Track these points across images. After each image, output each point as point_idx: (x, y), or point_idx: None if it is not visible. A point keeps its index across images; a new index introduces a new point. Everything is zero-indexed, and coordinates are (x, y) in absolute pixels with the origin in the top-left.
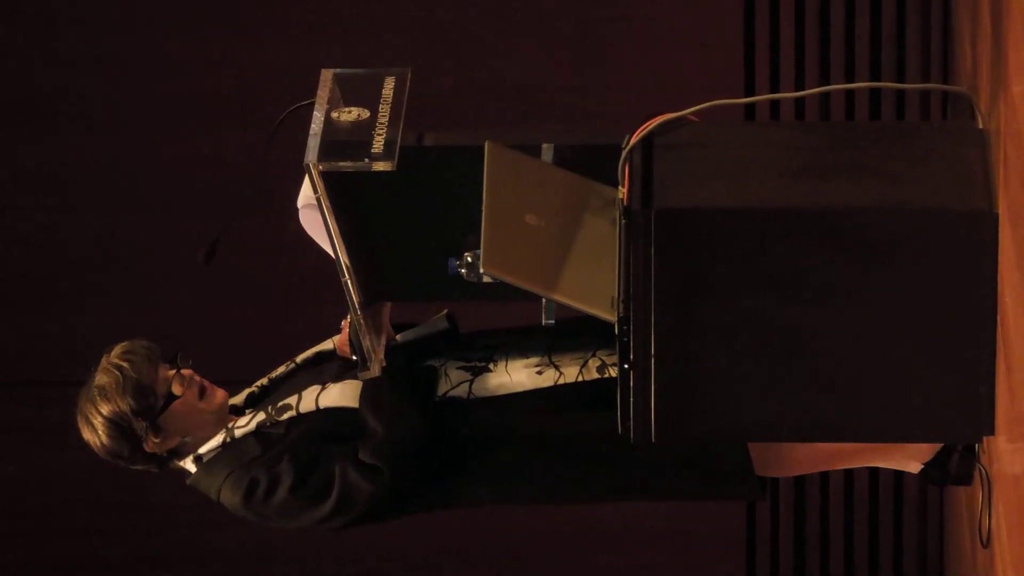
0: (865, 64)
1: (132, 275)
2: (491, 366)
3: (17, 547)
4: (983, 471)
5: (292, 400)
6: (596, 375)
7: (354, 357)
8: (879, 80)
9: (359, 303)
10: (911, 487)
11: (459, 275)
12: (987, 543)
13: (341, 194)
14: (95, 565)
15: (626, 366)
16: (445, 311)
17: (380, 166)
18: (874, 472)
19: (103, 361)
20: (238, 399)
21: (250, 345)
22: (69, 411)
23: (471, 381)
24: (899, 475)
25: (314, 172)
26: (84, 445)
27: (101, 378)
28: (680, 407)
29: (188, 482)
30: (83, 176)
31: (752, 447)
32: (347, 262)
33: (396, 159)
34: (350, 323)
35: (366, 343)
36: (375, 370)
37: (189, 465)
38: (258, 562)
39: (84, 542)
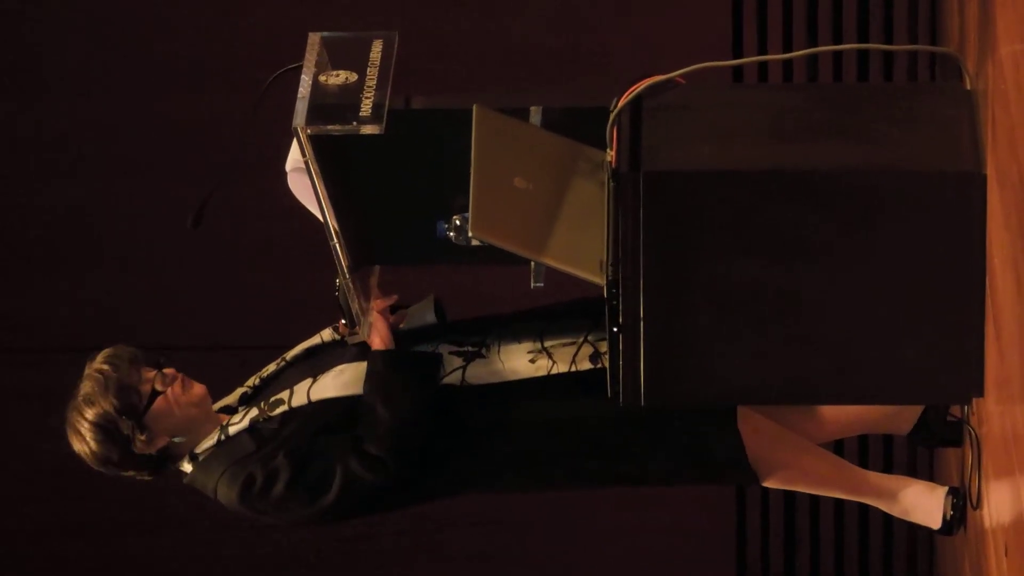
0: (853, 26)
1: (119, 240)
2: (483, 351)
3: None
4: (972, 433)
5: (284, 395)
6: (589, 364)
7: (342, 322)
8: (867, 42)
9: (348, 267)
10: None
11: (447, 238)
12: (977, 505)
13: (329, 158)
14: (84, 529)
15: (615, 329)
16: (432, 297)
17: (368, 129)
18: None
19: (86, 369)
20: (231, 399)
21: (236, 309)
22: (59, 376)
23: (464, 368)
24: (888, 466)
25: (302, 136)
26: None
27: (84, 386)
28: (669, 369)
29: (185, 481)
30: (68, 141)
31: (755, 434)
32: (335, 226)
33: (384, 122)
34: (339, 287)
35: (355, 307)
36: (364, 333)
37: (186, 466)
38: (245, 527)
39: (77, 506)
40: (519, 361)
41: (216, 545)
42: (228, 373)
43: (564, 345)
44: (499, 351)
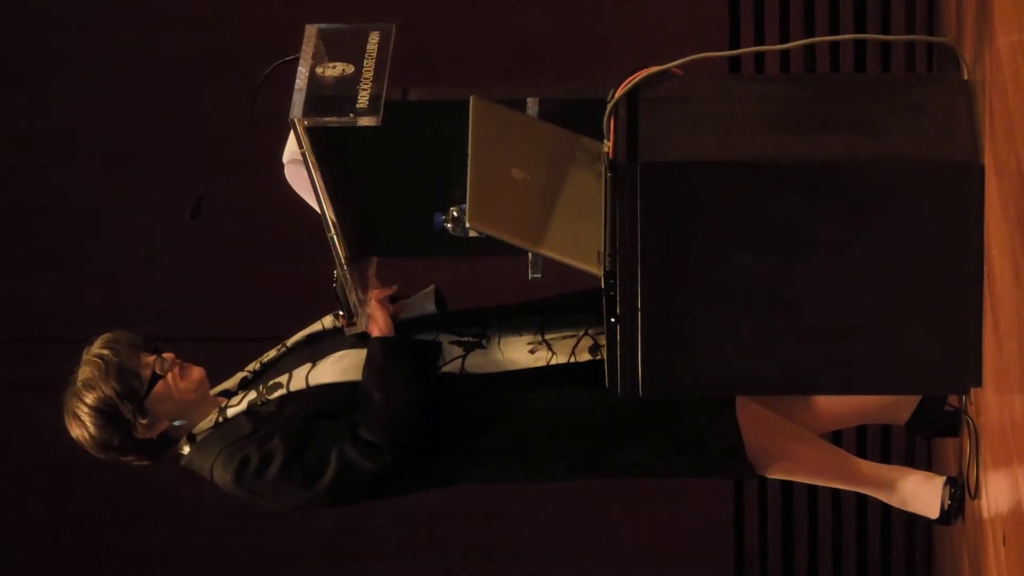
0: (850, 16)
1: (116, 231)
2: (483, 342)
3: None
4: (970, 423)
5: (282, 379)
6: (588, 356)
7: (340, 313)
8: (864, 32)
9: (345, 258)
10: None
11: (445, 230)
12: (975, 495)
13: (326, 149)
14: (79, 522)
15: (613, 319)
16: (432, 288)
17: (365, 121)
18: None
19: (84, 355)
20: (231, 383)
21: (233, 301)
22: (56, 367)
23: (463, 357)
24: (886, 457)
25: (299, 127)
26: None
27: (84, 371)
28: (667, 360)
29: (182, 463)
30: (63, 134)
31: (754, 425)
32: (333, 218)
33: (381, 114)
34: (336, 278)
35: (353, 298)
36: (362, 323)
37: (184, 448)
38: (243, 518)
39: (68, 500)
40: (519, 352)
41: (213, 538)
42: (224, 365)
43: (564, 337)
44: (499, 342)
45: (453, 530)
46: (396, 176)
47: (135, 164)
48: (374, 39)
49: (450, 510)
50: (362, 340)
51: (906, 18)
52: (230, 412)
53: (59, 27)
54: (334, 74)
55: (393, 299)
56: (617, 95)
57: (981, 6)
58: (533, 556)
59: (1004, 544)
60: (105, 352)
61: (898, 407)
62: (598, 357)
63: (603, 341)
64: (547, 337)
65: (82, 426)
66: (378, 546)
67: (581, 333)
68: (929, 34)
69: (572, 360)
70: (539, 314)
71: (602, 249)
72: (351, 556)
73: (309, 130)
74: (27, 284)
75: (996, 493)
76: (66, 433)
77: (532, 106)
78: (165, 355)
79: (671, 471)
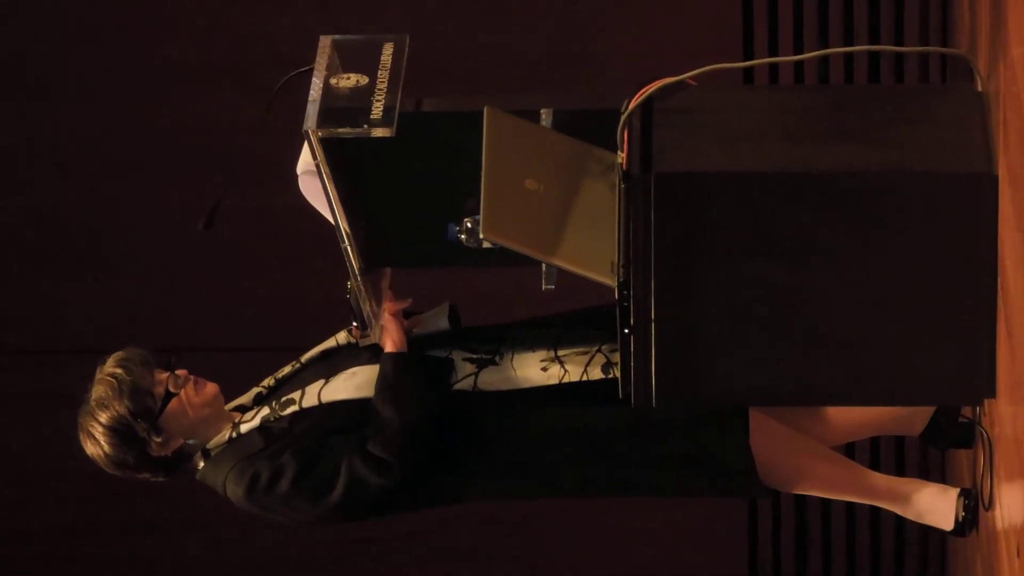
0: (864, 27)
1: (127, 243)
2: (497, 359)
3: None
4: (984, 434)
5: (295, 395)
6: (601, 375)
7: (354, 324)
8: (878, 43)
9: (359, 269)
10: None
11: (459, 241)
12: (989, 506)
13: (340, 160)
14: (87, 530)
15: (626, 330)
16: (447, 304)
17: (379, 132)
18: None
19: (97, 374)
20: (246, 399)
21: (247, 312)
22: (67, 379)
23: (476, 374)
24: (900, 467)
25: (313, 138)
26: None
27: (97, 390)
28: (680, 370)
29: (197, 477)
30: (77, 144)
31: (767, 441)
32: (347, 228)
33: (395, 125)
34: (350, 289)
35: (366, 309)
36: (376, 335)
37: (199, 462)
38: (250, 527)
39: (76, 508)
40: (531, 369)
41: (219, 546)
42: (235, 376)
43: (577, 354)
44: (512, 359)
45: (457, 535)
46: (410, 187)
47: (146, 174)
48: (388, 50)
49: (459, 516)
50: (375, 356)
51: (920, 29)
52: (243, 428)
53: (69, 36)
54: (348, 85)
55: (407, 314)
56: (631, 106)
57: (995, 17)
58: (539, 562)
59: (1018, 555)
60: (118, 371)
61: (912, 418)
62: (610, 375)
63: (616, 359)
64: (560, 354)
65: (97, 445)
66: (384, 554)
67: (594, 350)
68: (943, 45)
69: (584, 378)
70: (553, 329)
71: (616, 260)
72: (355, 563)
73: (323, 141)
74: (37, 294)
75: (1010, 504)
76: (77, 443)
77: (546, 117)
78: (178, 372)
79: (682, 490)
